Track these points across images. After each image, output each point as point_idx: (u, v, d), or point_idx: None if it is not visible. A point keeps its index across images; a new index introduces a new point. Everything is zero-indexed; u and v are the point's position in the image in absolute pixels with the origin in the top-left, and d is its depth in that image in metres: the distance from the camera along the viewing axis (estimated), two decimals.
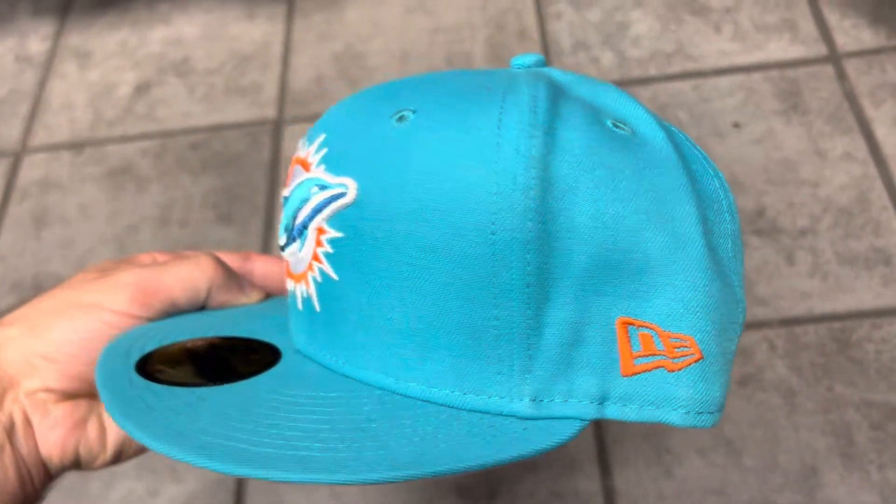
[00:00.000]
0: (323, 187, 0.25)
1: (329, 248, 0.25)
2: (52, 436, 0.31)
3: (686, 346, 0.23)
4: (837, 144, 0.71)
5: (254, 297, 0.36)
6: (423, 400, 0.24)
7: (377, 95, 0.27)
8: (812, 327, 0.62)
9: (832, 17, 0.80)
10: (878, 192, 0.68)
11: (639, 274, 0.23)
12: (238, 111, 0.84)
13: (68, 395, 0.32)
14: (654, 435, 0.59)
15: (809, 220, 0.67)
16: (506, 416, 0.24)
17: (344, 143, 0.26)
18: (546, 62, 0.29)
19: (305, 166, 0.26)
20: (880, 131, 0.71)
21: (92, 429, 0.32)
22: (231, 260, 0.39)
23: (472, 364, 0.24)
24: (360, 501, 0.60)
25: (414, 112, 0.24)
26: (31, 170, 0.83)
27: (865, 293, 0.63)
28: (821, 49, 0.78)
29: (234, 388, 0.25)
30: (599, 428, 0.60)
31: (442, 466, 0.22)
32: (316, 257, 0.26)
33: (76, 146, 0.84)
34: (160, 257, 0.37)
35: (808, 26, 0.79)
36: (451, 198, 0.23)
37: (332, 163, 0.25)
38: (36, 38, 0.95)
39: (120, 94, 0.88)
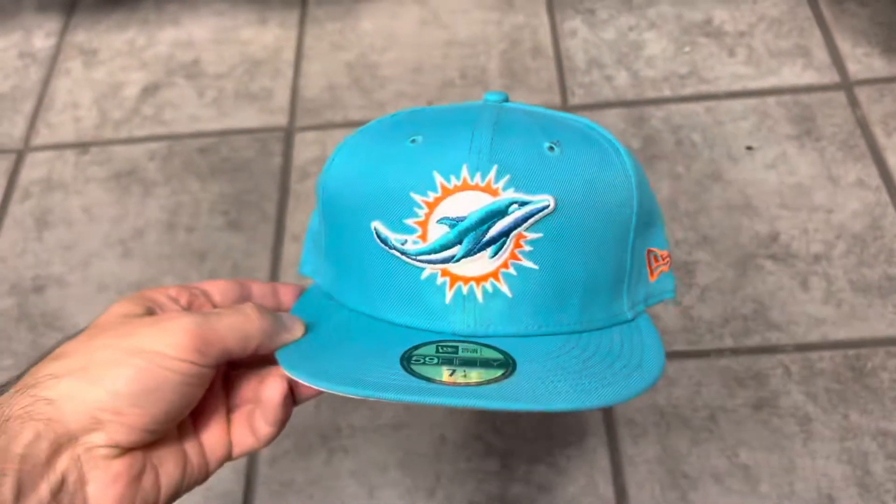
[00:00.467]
0: (523, 203, 0.35)
1: (528, 248, 0.35)
2: (111, 492, 0.30)
3: (666, 257, 0.41)
4: (850, 171, 0.72)
5: (298, 331, 0.36)
6: (605, 327, 0.37)
7: (523, 125, 0.38)
8: (827, 354, 0.62)
9: (844, 45, 0.80)
10: (891, 220, 0.68)
11: (651, 223, 0.39)
12: (248, 117, 0.83)
13: (129, 449, 0.31)
14: (669, 458, 0.59)
15: (823, 247, 0.68)
16: (624, 322, 0.38)
17: (518, 170, 0.35)
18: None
19: (493, 192, 0.35)
20: (892, 160, 0.72)
21: (147, 480, 0.31)
22: (229, 290, 0.39)
23: (614, 295, 0.38)
24: (393, 493, 0.59)
25: (559, 143, 0.37)
26: (34, 168, 0.81)
27: (879, 321, 0.63)
28: (833, 76, 0.78)
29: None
30: (615, 451, 0.59)
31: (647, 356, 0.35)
32: (514, 257, 0.35)
33: (81, 146, 0.82)
34: (174, 293, 0.37)
35: (821, 53, 0.80)
36: (604, 197, 0.36)
37: (521, 185, 0.35)
38: (40, 35, 0.93)
39: (126, 94, 0.86)
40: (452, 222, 0.35)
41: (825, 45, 0.81)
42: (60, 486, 0.28)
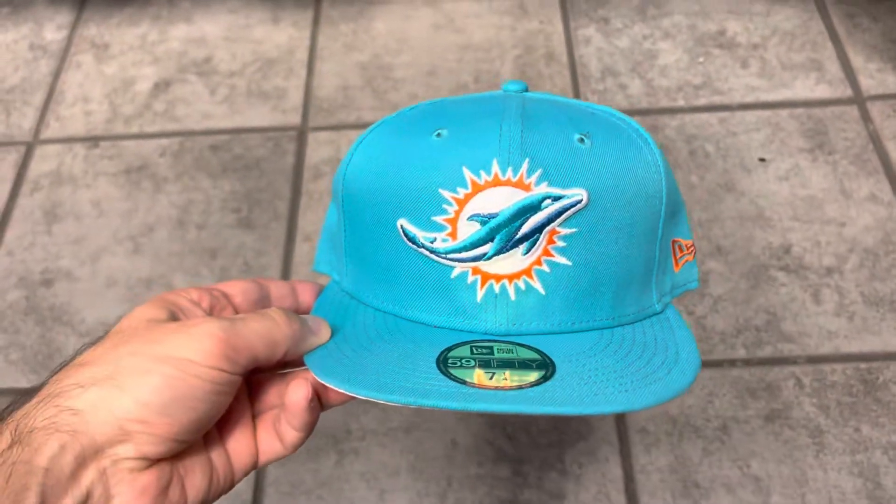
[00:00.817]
0: (556, 198, 0.34)
1: (562, 244, 0.35)
2: None
3: (691, 246, 0.40)
4: (863, 185, 0.72)
5: (325, 334, 0.35)
6: (636, 321, 0.37)
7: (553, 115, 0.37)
8: (839, 366, 0.62)
9: (857, 60, 0.81)
10: None
11: (677, 213, 0.39)
12: (261, 115, 0.82)
13: (156, 460, 0.30)
14: (681, 467, 0.59)
15: (836, 260, 0.68)
16: (654, 314, 0.38)
17: (550, 163, 0.34)
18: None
19: (525, 187, 0.34)
20: None
21: (174, 492, 0.30)
22: (249, 291, 0.38)
23: (644, 287, 0.37)
24: (403, 495, 0.59)
25: (589, 135, 0.36)
26: (43, 161, 0.80)
27: (891, 335, 0.63)
28: (846, 90, 0.79)
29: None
30: (627, 459, 0.59)
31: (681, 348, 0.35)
32: (547, 253, 0.35)
33: (91, 140, 0.82)
34: (196, 296, 0.36)
35: (833, 68, 0.81)
36: (636, 189, 0.35)
37: (554, 179, 0.34)
38: (52, 27, 0.93)
39: (138, 89, 0.86)
40: (484, 219, 0.34)
41: (838, 60, 0.81)
42: (85, 501, 0.27)
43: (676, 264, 0.39)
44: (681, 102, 0.80)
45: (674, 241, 0.39)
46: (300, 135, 0.81)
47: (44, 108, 0.85)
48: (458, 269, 0.35)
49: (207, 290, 0.37)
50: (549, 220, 0.34)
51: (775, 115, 0.78)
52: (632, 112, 0.79)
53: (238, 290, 0.38)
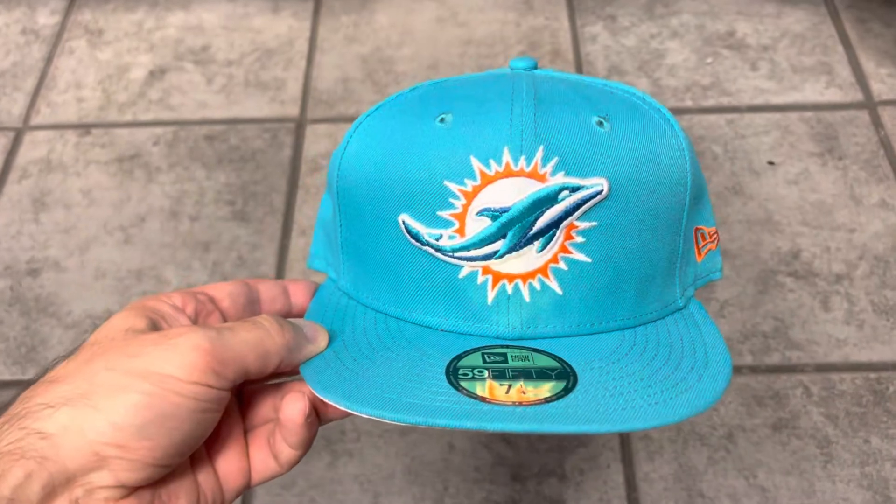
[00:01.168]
0: (575, 189, 0.31)
1: (580, 239, 0.32)
2: None
3: (713, 234, 0.37)
4: (873, 191, 0.70)
5: (322, 341, 0.32)
6: (659, 318, 0.34)
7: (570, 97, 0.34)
8: (848, 376, 0.61)
9: (868, 65, 0.79)
10: None
11: (700, 198, 0.36)
12: (258, 106, 0.80)
13: (135, 488, 0.27)
14: (686, 476, 0.57)
15: (845, 266, 0.66)
16: (676, 310, 0.35)
17: (567, 151, 0.31)
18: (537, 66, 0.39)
19: (540, 178, 0.31)
20: None
21: None
22: (237, 293, 0.35)
23: (667, 282, 0.35)
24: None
25: (608, 117, 0.33)
26: (33, 148, 0.78)
27: None
28: (857, 95, 0.77)
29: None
30: (630, 467, 0.57)
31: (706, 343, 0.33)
32: (564, 249, 0.32)
33: (83, 127, 0.80)
34: (179, 301, 0.33)
35: (844, 71, 0.79)
36: (659, 176, 0.33)
37: (572, 168, 0.31)
38: (45, 12, 0.90)
39: (132, 76, 0.84)
40: (494, 214, 0.31)
41: (849, 64, 0.80)
42: None
43: (699, 254, 0.36)
44: (688, 103, 0.78)
45: (696, 229, 0.36)
46: (298, 127, 0.79)
47: (34, 94, 0.83)
48: (467, 268, 0.32)
49: (192, 294, 0.34)
50: (567, 213, 0.31)
51: (785, 118, 0.76)
52: None
53: (225, 292, 0.35)
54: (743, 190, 0.71)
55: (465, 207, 0.31)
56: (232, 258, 0.69)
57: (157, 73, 0.84)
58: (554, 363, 0.30)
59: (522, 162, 0.31)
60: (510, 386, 0.29)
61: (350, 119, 0.79)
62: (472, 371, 0.30)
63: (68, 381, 0.27)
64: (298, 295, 0.37)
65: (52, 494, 0.25)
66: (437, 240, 0.32)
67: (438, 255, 0.32)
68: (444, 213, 0.32)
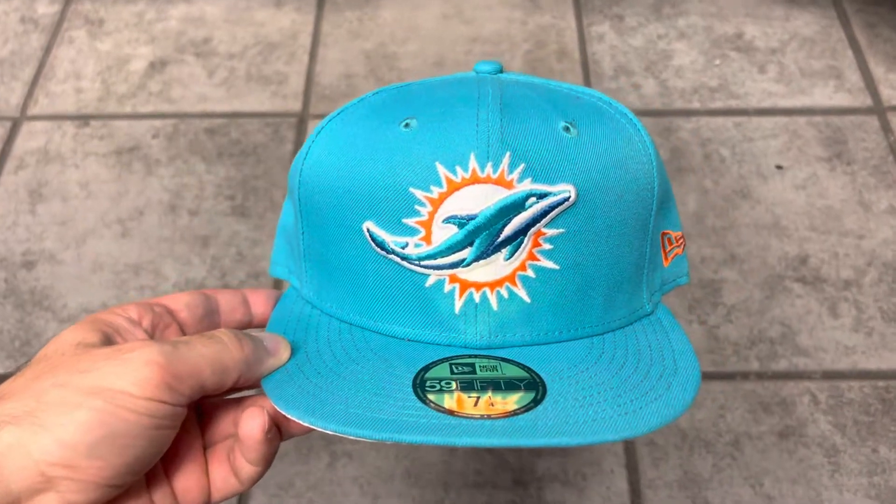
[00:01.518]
0: (542, 196, 0.30)
1: (548, 246, 0.31)
2: None
3: (680, 238, 0.37)
4: (882, 198, 0.70)
5: (284, 354, 0.31)
6: (627, 325, 0.34)
7: (536, 101, 0.33)
8: (856, 384, 0.60)
9: (878, 70, 0.79)
10: None
11: (666, 203, 0.35)
12: (260, 100, 0.79)
13: None
14: (691, 483, 0.56)
15: (854, 273, 0.65)
16: (644, 316, 0.35)
17: (534, 157, 0.31)
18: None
19: (507, 185, 0.31)
20: None
21: None
22: (195, 304, 0.34)
23: (635, 287, 0.34)
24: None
25: (575, 122, 0.33)
26: (30, 138, 0.77)
27: None
28: (866, 100, 0.77)
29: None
30: (634, 473, 0.56)
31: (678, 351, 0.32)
32: (532, 257, 0.31)
33: (81, 118, 0.78)
34: (135, 314, 0.31)
35: (853, 76, 0.78)
36: (626, 182, 0.32)
37: (538, 174, 0.31)
38: (44, 0, 0.89)
39: (133, 68, 0.82)
40: (461, 221, 0.31)
41: (858, 69, 0.79)
42: None
43: (666, 258, 0.36)
44: (696, 105, 0.77)
45: (663, 234, 0.36)
46: (300, 122, 0.77)
47: (33, 84, 0.81)
48: (434, 277, 0.31)
49: (148, 306, 0.32)
50: (535, 220, 0.31)
51: (793, 122, 0.75)
52: (646, 113, 0.76)
53: (182, 304, 0.34)
54: (750, 194, 0.70)
55: (432, 215, 0.31)
56: (231, 254, 0.68)
57: (157, 65, 0.83)
58: (523, 373, 0.30)
59: (489, 168, 0.30)
60: (478, 398, 0.28)
61: None
62: (439, 383, 0.29)
63: (14, 398, 0.26)
64: (259, 304, 0.36)
65: None
66: (403, 248, 0.31)
67: (404, 263, 0.32)
68: (410, 221, 0.31)
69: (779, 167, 0.72)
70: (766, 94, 0.78)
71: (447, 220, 0.31)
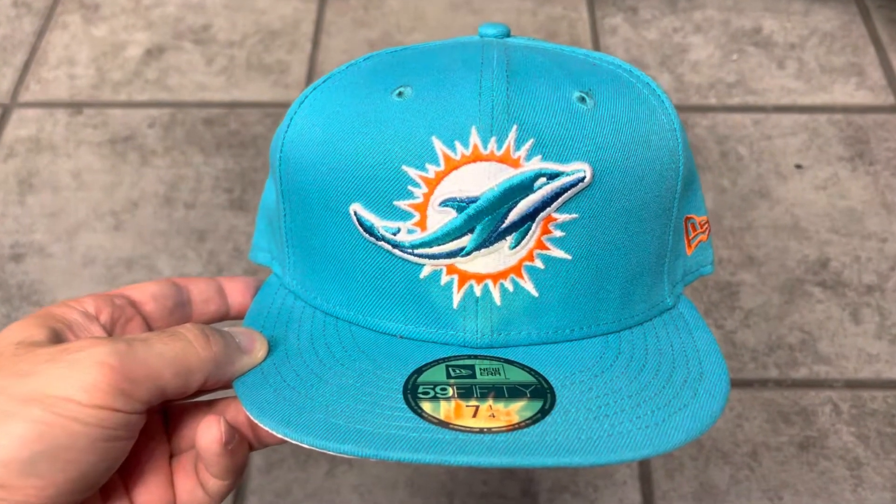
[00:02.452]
0: (553, 176, 0.27)
1: (559, 233, 0.28)
2: None
3: (705, 223, 0.34)
4: None
5: (259, 351, 0.28)
6: (646, 321, 0.31)
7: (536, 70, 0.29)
8: (880, 394, 0.57)
9: None
10: None
11: (691, 184, 0.32)
12: (260, 89, 0.76)
13: None
14: (707, 496, 0.53)
15: (877, 277, 0.63)
16: (665, 310, 0.32)
17: (545, 131, 0.27)
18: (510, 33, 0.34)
19: (513, 163, 0.27)
20: None
21: None
22: (163, 295, 0.30)
23: (655, 279, 0.31)
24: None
25: (591, 92, 0.29)
26: (21, 126, 0.74)
27: None
28: (888, 98, 0.74)
29: None
30: (647, 484, 0.54)
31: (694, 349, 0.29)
32: (541, 245, 0.28)
33: (74, 106, 0.76)
34: (92, 307, 0.28)
35: (875, 73, 0.76)
36: (649, 160, 0.29)
37: (549, 152, 0.27)
38: None
39: (128, 54, 0.80)
40: (461, 204, 0.27)
41: (880, 66, 0.76)
42: None
43: (689, 246, 0.33)
44: (712, 101, 0.74)
45: (687, 219, 0.32)
46: None
47: (24, 70, 0.78)
48: (429, 267, 0.28)
49: (108, 298, 0.29)
50: (544, 203, 0.27)
51: (813, 120, 0.73)
52: None
53: (148, 294, 0.30)
54: (769, 194, 0.68)
55: (427, 197, 0.27)
56: (228, 249, 0.65)
57: (154, 52, 0.80)
58: (529, 377, 0.27)
59: (493, 144, 0.27)
60: (478, 407, 0.25)
61: None
62: (433, 388, 0.26)
63: None
64: (236, 294, 0.33)
65: None
66: (395, 234, 0.28)
67: (396, 251, 0.28)
68: (402, 204, 0.28)
69: (798, 166, 0.70)
70: (785, 90, 0.75)
71: (444, 203, 0.27)
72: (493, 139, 0.27)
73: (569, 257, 0.28)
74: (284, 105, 0.75)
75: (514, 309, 0.29)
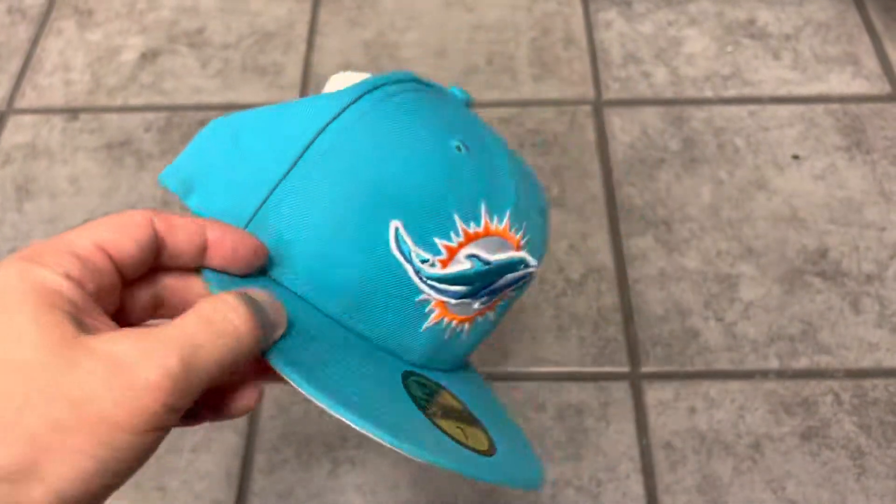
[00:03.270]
0: (526, 266, 0.35)
1: (502, 303, 0.36)
2: None
3: None
4: None
5: (283, 324, 0.27)
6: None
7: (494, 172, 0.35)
8: (881, 382, 0.57)
9: (895, 55, 0.76)
10: None
11: None
12: (255, 91, 0.76)
13: None
14: (710, 488, 0.53)
15: (876, 266, 0.63)
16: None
17: (533, 232, 0.36)
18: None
19: (517, 245, 0.34)
20: None
21: None
22: (139, 255, 0.26)
23: None
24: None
25: (544, 210, 0.39)
26: (17, 132, 0.74)
27: None
28: (884, 87, 0.74)
29: None
30: (650, 478, 0.54)
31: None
32: (491, 308, 0.35)
33: (70, 111, 0.75)
34: (76, 270, 0.24)
35: (871, 62, 0.76)
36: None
37: (531, 248, 0.35)
38: None
39: (123, 59, 0.80)
40: (480, 263, 0.33)
41: (875, 54, 0.76)
42: None
43: None
44: (708, 93, 0.74)
45: None
46: None
47: (20, 76, 0.78)
48: (425, 296, 0.32)
49: (80, 261, 0.24)
50: (514, 282, 0.35)
51: (809, 110, 0.73)
52: (656, 102, 0.74)
53: (126, 254, 0.25)
54: (767, 185, 0.68)
55: (461, 245, 0.32)
56: None
57: (149, 56, 0.80)
58: (457, 405, 0.33)
59: (514, 229, 0.34)
60: (460, 427, 0.30)
61: None
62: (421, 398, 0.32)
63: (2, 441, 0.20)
64: (217, 248, 0.29)
65: None
66: (423, 262, 0.31)
67: (412, 275, 0.32)
68: (441, 242, 0.32)
69: (795, 157, 0.70)
70: (780, 81, 0.75)
71: (470, 257, 0.32)
72: (516, 226, 0.34)
73: (493, 321, 0.36)
74: None
75: (451, 345, 0.35)
